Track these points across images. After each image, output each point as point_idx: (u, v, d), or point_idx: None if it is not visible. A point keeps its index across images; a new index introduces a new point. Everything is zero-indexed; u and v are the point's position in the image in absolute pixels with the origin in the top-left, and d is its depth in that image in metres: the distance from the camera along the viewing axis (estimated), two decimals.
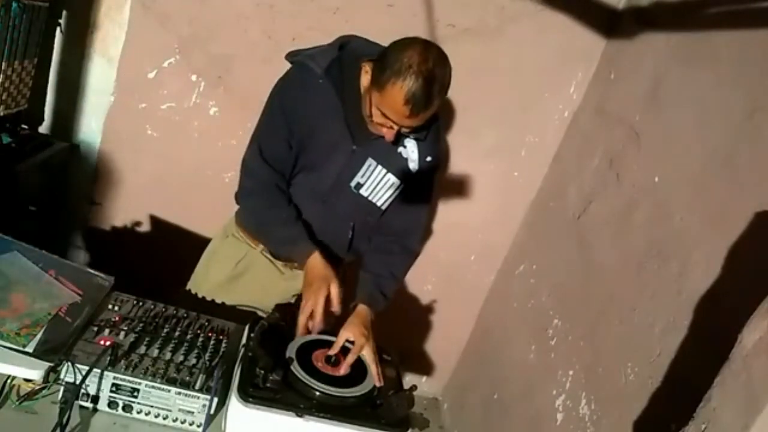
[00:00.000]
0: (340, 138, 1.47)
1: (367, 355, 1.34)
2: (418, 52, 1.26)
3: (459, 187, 2.42)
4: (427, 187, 1.64)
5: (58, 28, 2.10)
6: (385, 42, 1.41)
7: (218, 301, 1.65)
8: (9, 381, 1.11)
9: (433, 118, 1.41)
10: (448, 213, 2.47)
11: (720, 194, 1.49)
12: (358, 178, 1.52)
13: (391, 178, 1.53)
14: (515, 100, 2.32)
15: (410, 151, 1.52)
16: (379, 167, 1.51)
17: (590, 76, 2.29)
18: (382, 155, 1.51)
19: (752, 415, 0.93)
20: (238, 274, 1.66)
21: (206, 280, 1.69)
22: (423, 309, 2.65)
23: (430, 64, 1.25)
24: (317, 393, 1.16)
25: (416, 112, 1.29)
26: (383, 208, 1.59)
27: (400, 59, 1.26)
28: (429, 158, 1.54)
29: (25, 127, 2.09)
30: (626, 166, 1.93)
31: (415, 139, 1.51)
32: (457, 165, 2.39)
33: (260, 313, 1.70)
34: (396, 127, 1.36)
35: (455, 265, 2.59)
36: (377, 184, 1.54)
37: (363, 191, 1.54)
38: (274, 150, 1.49)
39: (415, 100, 1.26)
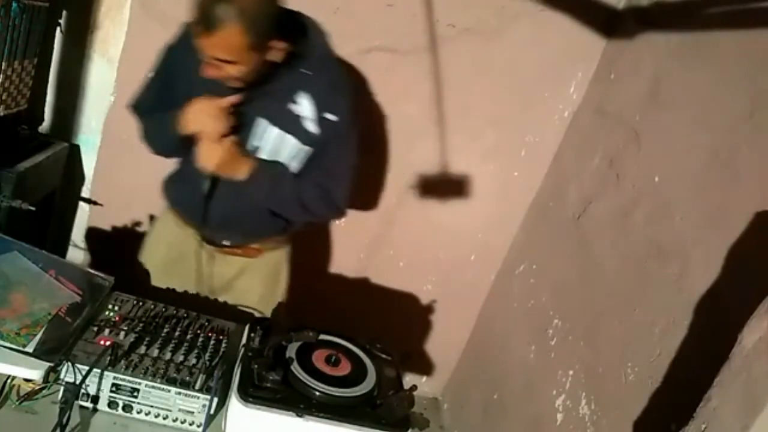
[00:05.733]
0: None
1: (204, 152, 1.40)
2: None
3: (459, 187, 2.42)
4: (343, 146, 1.53)
5: (58, 28, 2.10)
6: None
7: (163, 286, 1.65)
8: (9, 381, 1.11)
9: (259, 58, 1.30)
10: (448, 213, 2.47)
11: (720, 194, 1.49)
12: (253, 141, 1.46)
13: (291, 140, 1.46)
14: (515, 100, 2.32)
15: (304, 107, 1.43)
16: (274, 128, 1.45)
17: (590, 76, 2.29)
18: (272, 113, 1.44)
19: (752, 415, 0.93)
20: (171, 259, 1.66)
21: (148, 264, 1.70)
22: (423, 309, 2.64)
23: None
24: (317, 393, 1.16)
25: (206, 29, 1.22)
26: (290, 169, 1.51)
27: None
28: (330, 116, 1.45)
29: (25, 127, 2.08)
30: (626, 166, 1.93)
31: (307, 92, 1.42)
32: (457, 165, 2.39)
33: (256, 314, 1.71)
34: (209, 59, 1.28)
35: (455, 265, 2.59)
36: (277, 146, 1.47)
37: (262, 154, 1.47)
38: (147, 99, 1.56)
39: (203, 15, 1.21)
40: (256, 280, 1.73)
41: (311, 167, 1.53)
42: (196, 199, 1.52)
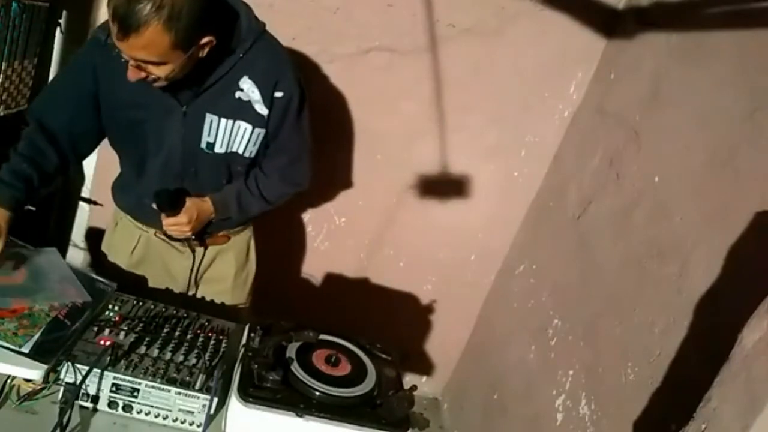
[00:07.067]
0: (165, 105, 1.38)
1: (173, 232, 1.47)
2: None
3: (459, 187, 2.42)
4: (296, 120, 1.51)
5: (58, 28, 2.10)
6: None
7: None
8: (9, 381, 1.11)
9: (186, 56, 1.22)
10: (447, 213, 2.47)
11: (720, 194, 1.49)
12: (206, 139, 1.43)
13: (243, 125, 1.43)
14: (515, 100, 2.32)
15: (250, 92, 1.40)
16: (224, 120, 1.41)
17: (590, 76, 2.29)
18: (220, 107, 1.40)
19: (752, 415, 0.93)
20: (136, 262, 1.64)
21: (112, 268, 1.66)
22: (423, 309, 2.65)
23: None
24: (317, 393, 1.16)
25: (125, 33, 1.12)
26: (247, 155, 1.49)
27: None
28: (278, 93, 1.43)
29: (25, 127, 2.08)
30: (626, 166, 1.93)
31: (250, 77, 1.39)
32: (457, 165, 2.39)
33: (229, 298, 1.73)
34: (132, 62, 1.21)
35: (455, 265, 2.59)
36: (230, 136, 1.44)
37: (218, 149, 1.45)
38: (50, 106, 1.43)
39: (119, 16, 1.11)
40: (228, 264, 1.72)
41: (270, 154, 1.54)
42: (150, 207, 1.48)
